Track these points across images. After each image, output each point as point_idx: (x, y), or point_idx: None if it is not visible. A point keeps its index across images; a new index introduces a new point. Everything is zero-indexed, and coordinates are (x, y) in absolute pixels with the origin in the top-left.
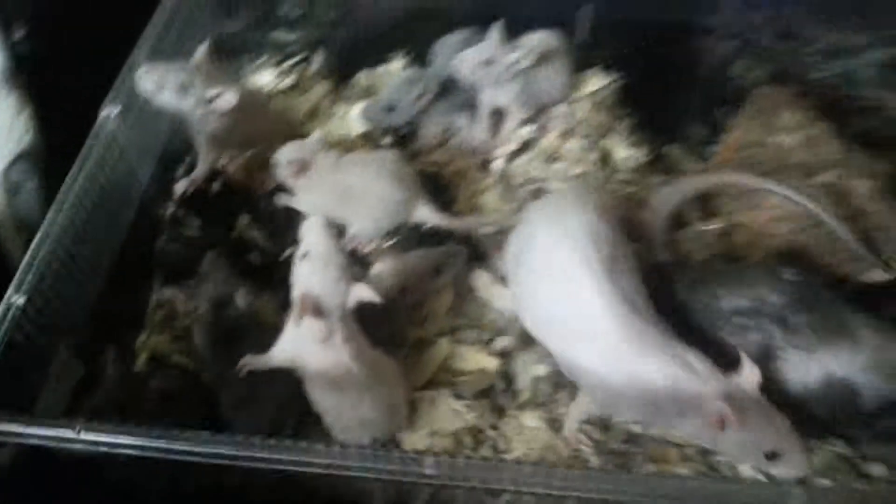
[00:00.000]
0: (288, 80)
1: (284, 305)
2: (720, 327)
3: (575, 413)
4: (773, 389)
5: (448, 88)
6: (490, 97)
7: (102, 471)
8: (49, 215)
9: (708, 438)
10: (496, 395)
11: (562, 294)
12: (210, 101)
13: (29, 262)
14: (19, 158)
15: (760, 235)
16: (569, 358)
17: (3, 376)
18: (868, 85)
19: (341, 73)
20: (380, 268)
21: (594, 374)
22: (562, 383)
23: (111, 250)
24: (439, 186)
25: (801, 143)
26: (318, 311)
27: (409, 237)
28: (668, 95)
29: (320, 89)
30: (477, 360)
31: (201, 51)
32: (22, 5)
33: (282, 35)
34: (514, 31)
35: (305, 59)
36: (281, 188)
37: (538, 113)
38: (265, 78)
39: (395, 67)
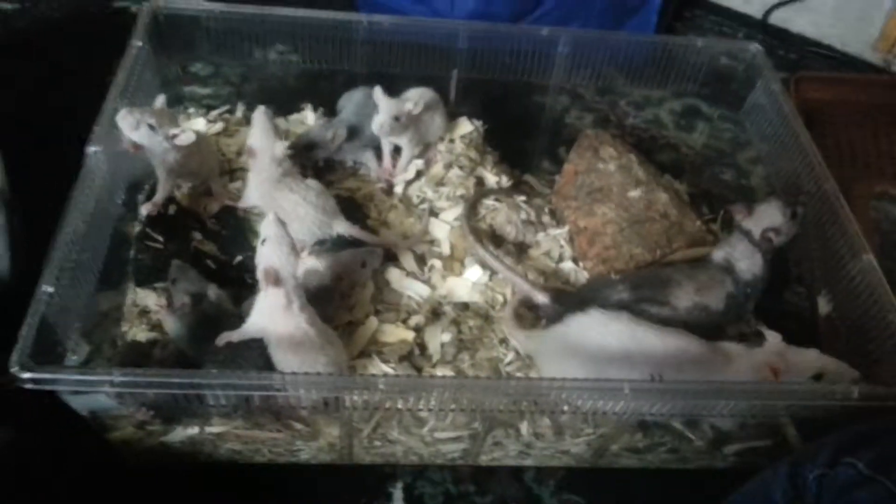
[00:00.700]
0: (216, 126)
1: (241, 298)
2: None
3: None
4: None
5: (354, 132)
6: (390, 138)
7: None
8: (59, 231)
9: None
10: (415, 358)
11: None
12: (172, 138)
13: (50, 261)
14: None
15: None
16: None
17: (38, 345)
18: (667, 127)
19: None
20: (319, 262)
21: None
22: (462, 346)
23: (99, 258)
24: (353, 206)
25: (618, 168)
26: (277, 280)
27: (338, 243)
28: (521, 137)
29: (244, 133)
30: (397, 333)
31: (160, 100)
32: None
33: (196, 90)
34: (392, 90)
35: (229, 110)
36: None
37: (425, 149)
38: (198, 124)
39: (307, 116)
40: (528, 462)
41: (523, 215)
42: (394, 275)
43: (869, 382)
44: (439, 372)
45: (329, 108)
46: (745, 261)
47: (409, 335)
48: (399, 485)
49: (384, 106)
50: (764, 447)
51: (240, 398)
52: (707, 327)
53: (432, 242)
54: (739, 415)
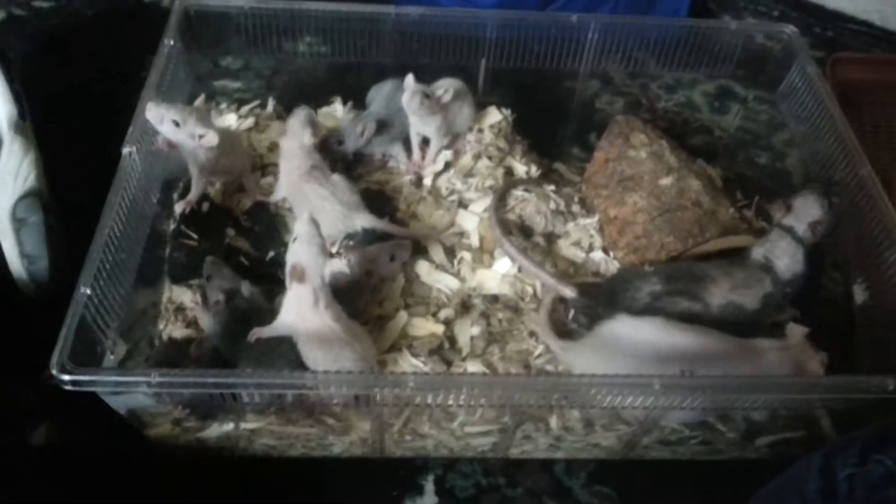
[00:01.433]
0: (247, 122)
1: (274, 294)
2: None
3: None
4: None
5: (383, 125)
6: (419, 129)
7: None
8: (97, 230)
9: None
10: (444, 351)
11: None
12: (199, 138)
13: (87, 263)
14: (24, 197)
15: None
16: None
17: (77, 346)
18: (700, 110)
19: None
20: (349, 257)
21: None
22: (492, 339)
23: (136, 257)
24: (383, 199)
25: (650, 155)
26: (302, 277)
27: (366, 237)
28: (551, 125)
29: (276, 128)
30: (427, 327)
31: (200, 99)
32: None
33: (227, 84)
34: (421, 81)
35: (260, 105)
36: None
37: (454, 140)
38: (229, 120)
39: (336, 109)
40: (559, 455)
41: (552, 205)
42: (423, 268)
43: None
44: (469, 365)
45: (358, 101)
46: (786, 258)
47: (439, 329)
48: (430, 477)
49: (414, 85)
50: (798, 438)
51: (273, 396)
52: (740, 325)
53: (461, 234)
54: (770, 408)
